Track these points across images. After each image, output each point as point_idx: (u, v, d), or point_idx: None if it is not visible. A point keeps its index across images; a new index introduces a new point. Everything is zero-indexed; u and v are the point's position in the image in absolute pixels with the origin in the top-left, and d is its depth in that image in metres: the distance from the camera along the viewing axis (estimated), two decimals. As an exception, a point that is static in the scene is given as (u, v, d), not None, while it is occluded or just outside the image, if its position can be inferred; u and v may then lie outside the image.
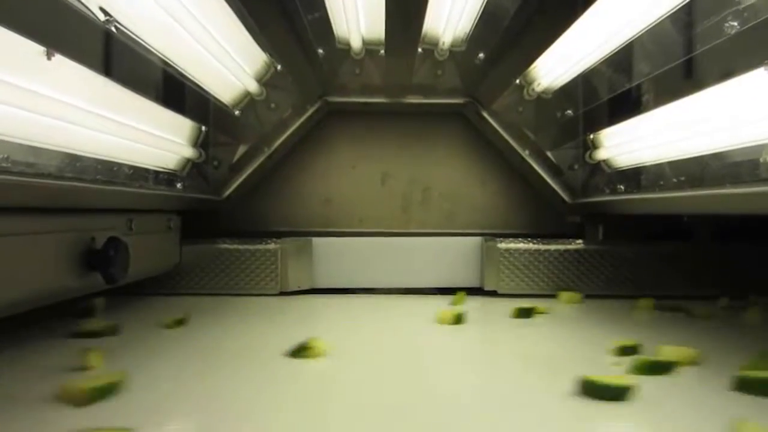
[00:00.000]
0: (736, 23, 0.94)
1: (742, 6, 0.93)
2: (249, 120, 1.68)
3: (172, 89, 1.53)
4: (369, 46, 1.63)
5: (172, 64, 1.29)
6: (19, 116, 0.84)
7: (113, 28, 0.99)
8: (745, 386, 0.75)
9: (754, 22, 0.92)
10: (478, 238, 1.68)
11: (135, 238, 1.20)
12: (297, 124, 1.72)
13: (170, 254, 1.49)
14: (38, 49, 0.83)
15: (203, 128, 1.62)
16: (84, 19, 1.01)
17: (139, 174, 1.37)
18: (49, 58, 0.85)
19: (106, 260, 1.04)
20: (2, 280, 0.80)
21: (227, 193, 1.69)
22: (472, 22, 1.49)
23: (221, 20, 1.31)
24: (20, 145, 0.91)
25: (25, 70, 0.83)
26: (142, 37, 1.11)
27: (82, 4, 0.91)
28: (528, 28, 1.62)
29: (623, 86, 1.52)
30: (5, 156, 0.84)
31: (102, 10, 0.95)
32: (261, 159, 1.71)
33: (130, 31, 1.08)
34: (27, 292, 0.87)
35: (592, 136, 1.67)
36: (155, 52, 1.22)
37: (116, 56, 1.29)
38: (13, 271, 0.83)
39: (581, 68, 1.50)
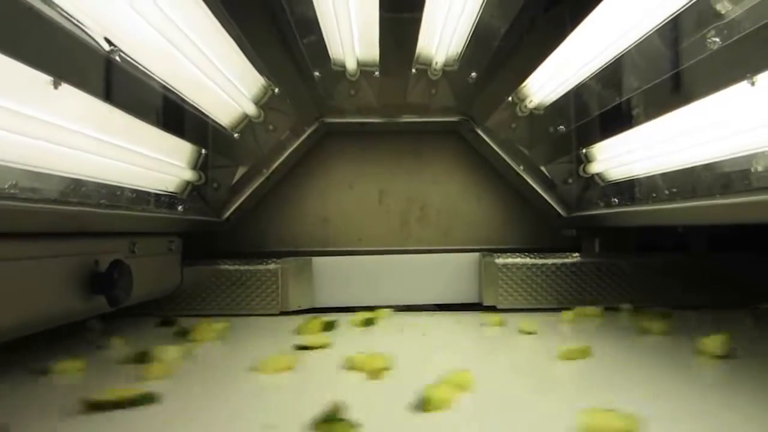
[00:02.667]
0: (717, 39, 0.98)
1: (723, 22, 0.97)
2: (248, 142, 1.71)
3: (172, 113, 1.56)
4: (364, 68, 1.66)
5: (172, 89, 1.32)
6: (27, 144, 0.87)
7: (117, 58, 1.02)
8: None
9: (732, 39, 0.95)
10: (476, 254, 1.70)
11: (137, 260, 1.22)
12: (295, 145, 1.75)
13: (172, 276, 1.51)
14: (46, 79, 0.86)
15: (203, 151, 1.65)
16: (86, 45, 1.04)
17: (141, 197, 1.39)
18: (56, 87, 0.87)
19: (110, 283, 1.05)
20: (8, 303, 0.82)
21: (227, 214, 1.71)
22: (464, 42, 1.53)
23: (220, 46, 1.34)
24: (27, 171, 0.93)
25: (33, 99, 0.85)
26: (143, 64, 1.14)
27: (90, 37, 0.94)
28: (519, 47, 1.66)
29: (614, 101, 1.55)
30: (13, 182, 0.86)
31: (107, 40, 0.98)
32: (260, 180, 1.74)
33: (133, 59, 1.11)
34: (32, 315, 0.89)
35: (584, 151, 1.70)
36: (156, 78, 1.25)
37: (117, 81, 1.32)
38: (19, 295, 0.85)
39: (572, 84, 1.53)
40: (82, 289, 1.02)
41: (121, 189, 1.30)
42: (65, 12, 0.89)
